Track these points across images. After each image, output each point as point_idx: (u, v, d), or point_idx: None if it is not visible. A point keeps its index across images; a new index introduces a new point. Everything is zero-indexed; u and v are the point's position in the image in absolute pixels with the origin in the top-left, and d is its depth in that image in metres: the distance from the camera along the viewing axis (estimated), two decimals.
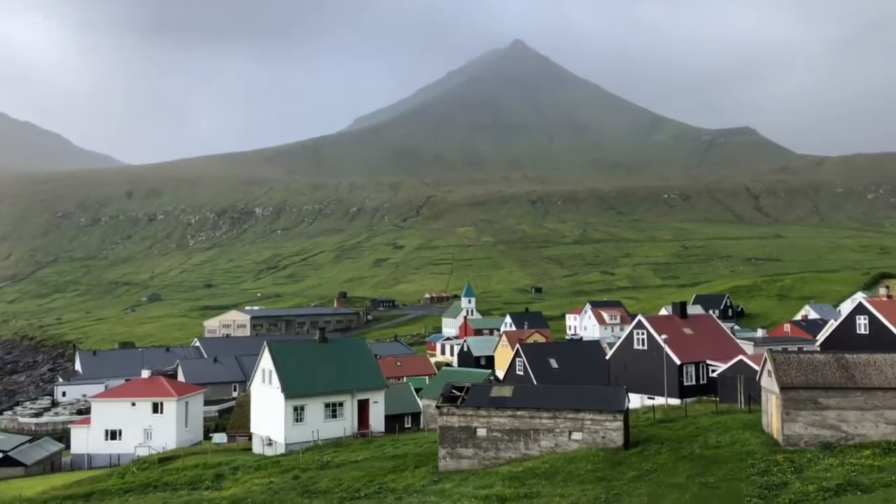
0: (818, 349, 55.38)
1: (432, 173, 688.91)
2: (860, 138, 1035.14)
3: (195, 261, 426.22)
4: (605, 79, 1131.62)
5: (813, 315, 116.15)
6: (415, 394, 70.53)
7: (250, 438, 58.59)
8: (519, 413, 34.46)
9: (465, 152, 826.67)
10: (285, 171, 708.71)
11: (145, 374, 75.91)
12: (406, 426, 64.68)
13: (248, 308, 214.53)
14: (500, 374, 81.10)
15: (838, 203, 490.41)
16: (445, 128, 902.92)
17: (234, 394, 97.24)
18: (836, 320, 63.00)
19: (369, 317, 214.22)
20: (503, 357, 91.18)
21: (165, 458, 54.07)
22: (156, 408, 69.54)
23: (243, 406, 70.22)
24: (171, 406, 69.39)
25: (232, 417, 75.97)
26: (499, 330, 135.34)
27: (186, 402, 71.61)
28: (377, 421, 55.35)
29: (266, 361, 54.41)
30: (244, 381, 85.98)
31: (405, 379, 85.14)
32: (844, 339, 55.76)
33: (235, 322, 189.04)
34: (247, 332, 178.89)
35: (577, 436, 33.93)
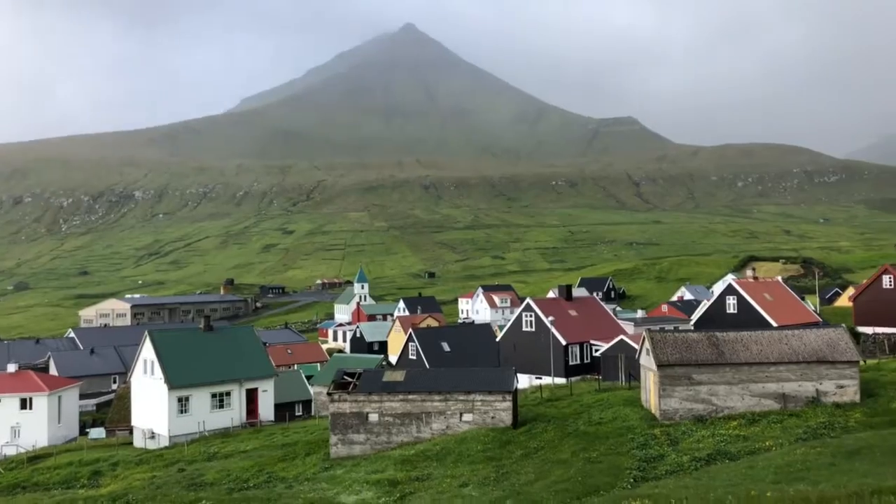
0: (692, 328, 58.91)
1: (323, 157, 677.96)
2: (731, 130, 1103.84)
3: (69, 247, 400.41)
4: (496, 66, 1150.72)
5: (688, 296, 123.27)
6: (306, 381, 69.52)
7: (131, 432, 55.89)
8: (411, 397, 34.64)
9: (357, 136, 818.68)
10: (167, 153, 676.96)
11: (12, 368, 70.67)
12: (297, 414, 63.71)
13: (128, 296, 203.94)
14: (394, 359, 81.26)
15: (711, 191, 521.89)
16: (336, 111, 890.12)
17: (114, 386, 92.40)
18: (708, 301, 67.14)
19: (258, 304, 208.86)
20: (396, 342, 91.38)
21: (36, 457, 50.68)
22: (24, 404, 64.91)
23: (123, 399, 66.86)
24: (41, 401, 65.01)
25: (111, 411, 72.16)
26: (392, 315, 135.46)
27: (59, 397, 67.31)
28: (266, 410, 54.18)
29: (147, 351, 51.99)
30: (124, 373, 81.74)
31: (296, 367, 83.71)
32: (716, 318, 59.60)
33: (114, 311, 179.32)
34: (127, 321, 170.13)
35: (467, 417, 34.50)
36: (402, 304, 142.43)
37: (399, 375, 36.47)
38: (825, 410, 32.76)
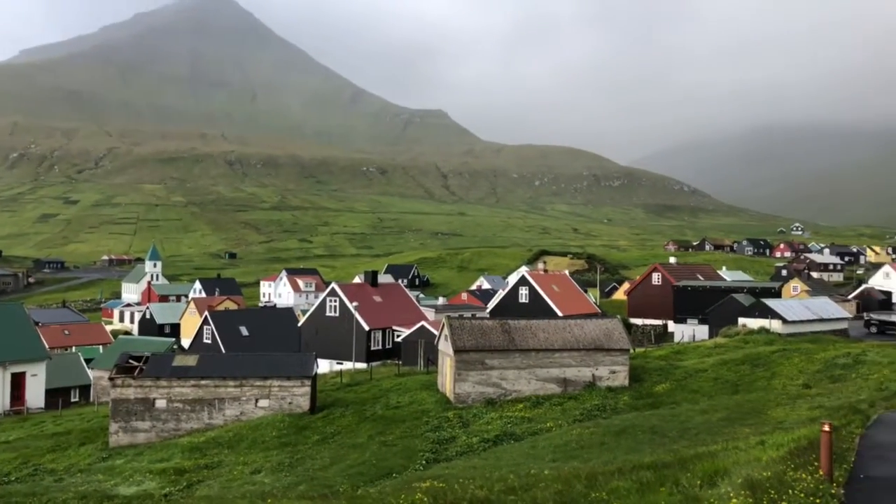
0: (488, 316, 61.88)
1: (116, 122, 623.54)
2: (533, 130, 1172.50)
3: None
4: (311, 45, 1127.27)
5: (486, 286, 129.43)
6: (84, 365, 63.73)
7: None
8: (203, 382, 33.00)
9: (156, 104, 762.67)
10: None
11: None
12: (73, 400, 58.30)
13: None
14: (187, 343, 76.93)
15: (512, 187, 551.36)
16: (133, 74, 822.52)
17: None
18: (503, 290, 70.84)
19: (31, 279, 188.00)
20: (190, 325, 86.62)
21: None
22: None
23: None
24: None
25: None
26: (187, 297, 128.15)
27: None
28: (35, 396, 48.95)
29: None
30: None
31: (74, 349, 76.48)
32: (509, 306, 63.13)
33: None
34: None
35: (263, 403, 33.56)
36: (198, 286, 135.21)
37: (191, 360, 34.59)
38: (599, 393, 35.91)
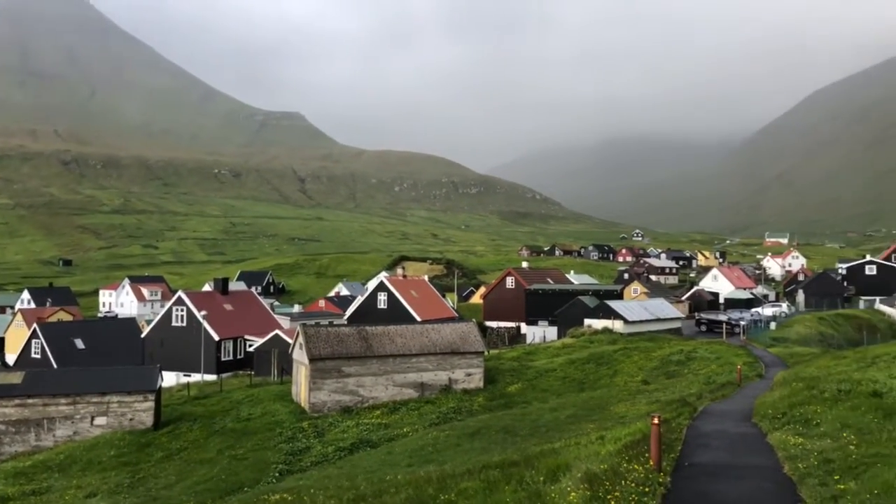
0: (346, 323, 61.26)
1: None
2: (392, 135, 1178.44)
3: None
4: (157, 40, 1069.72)
5: (345, 292, 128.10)
6: None
7: None
8: (31, 401, 30.25)
9: None
10: None
11: None
12: None
13: None
14: (12, 359, 70.20)
15: (372, 192, 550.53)
16: None
17: None
18: (362, 296, 70.41)
19: None
20: (16, 339, 79.05)
21: None
22: None
23: None
24: None
25: None
26: (13, 308, 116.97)
27: None
28: None
29: None
30: None
31: None
32: (368, 312, 62.79)
33: None
34: None
35: (100, 420, 31.25)
36: (26, 295, 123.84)
37: (16, 377, 31.58)
38: (455, 396, 36.54)
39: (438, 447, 23.95)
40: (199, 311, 54.42)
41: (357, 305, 67.36)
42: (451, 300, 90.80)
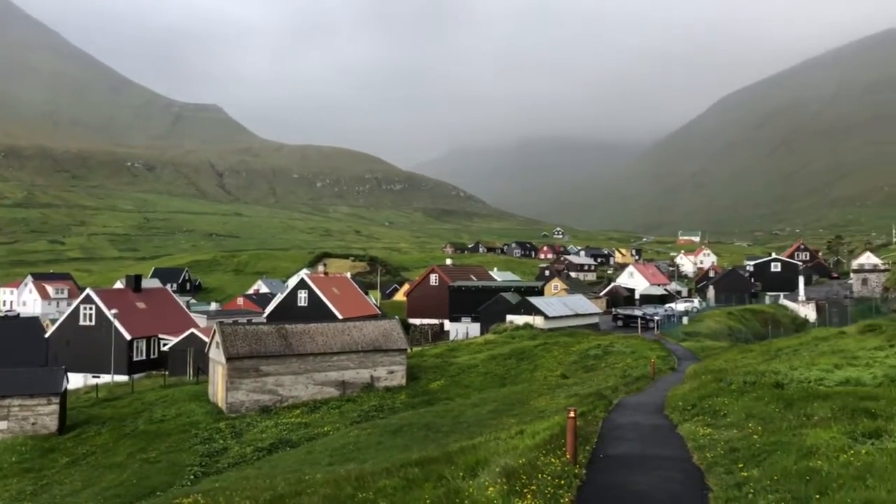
0: (265, 321, 60.01)
1: None
2: (314, 130, 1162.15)
3: None
4: (66, 26, 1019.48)
5: (264, 289, 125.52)
6: None
7: None
8: None
9: None
10: None
11: None
12: None
13: None
14: None
15: (293, 188, 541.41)
16: None
17: None
18: (282, 294, 69.17)
19: None
20: None
21: None
22: None
23: None
24: None
25: None
26: None
27: None
28: None
29: None
30: None
31: None
32: (288, 310, 61.70)
33: None
34: None
35: (0, 425, 29.54)
36: None
37: None
38: (377, 394, 36.35)
39: (360, 446, 23.78)
40: (110, 309, 52.19)
41: (277, 303, 66.12)
42: (374, 297, 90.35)
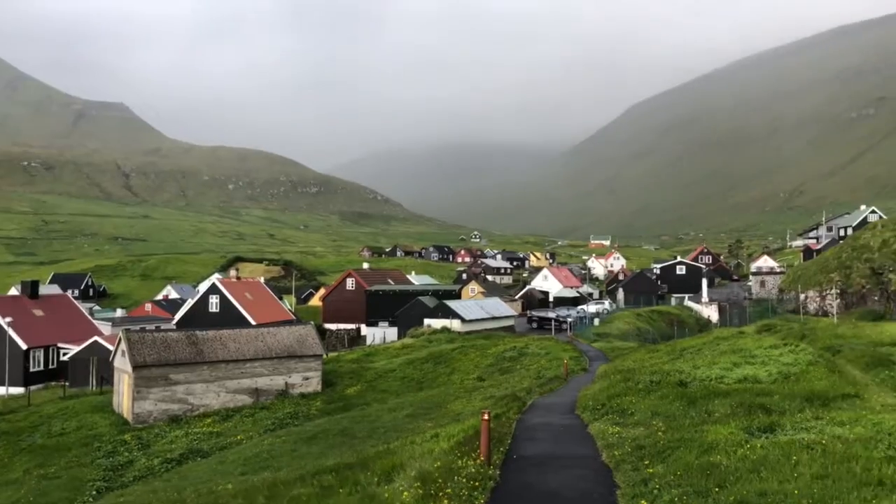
0: (174, 328, 57.97)
1: None
2: (226, 131, 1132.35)
3: None
4: None
5: (174, 295, 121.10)
6: None
7: None
8: None
9: None
10: None
11: None
12: None
13: None
14: None
15: (204, 190, 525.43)
16: None
17: None
18: (193, 300, 67.02)
19: None
20: None
21: None
22: None
23: None
24: None
25: None
26: None
27: None
28: None
29: None
30: None
31: None
32: (199, 316, 59.85)
33: None
34: None
35: None
36: None
37: None
38: (292, 401, 35.73)
39: (274, 454, 23.32)
40: (4, 317, 49.21)
41: (187, 309, 64.05)
42: (288, 302, 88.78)
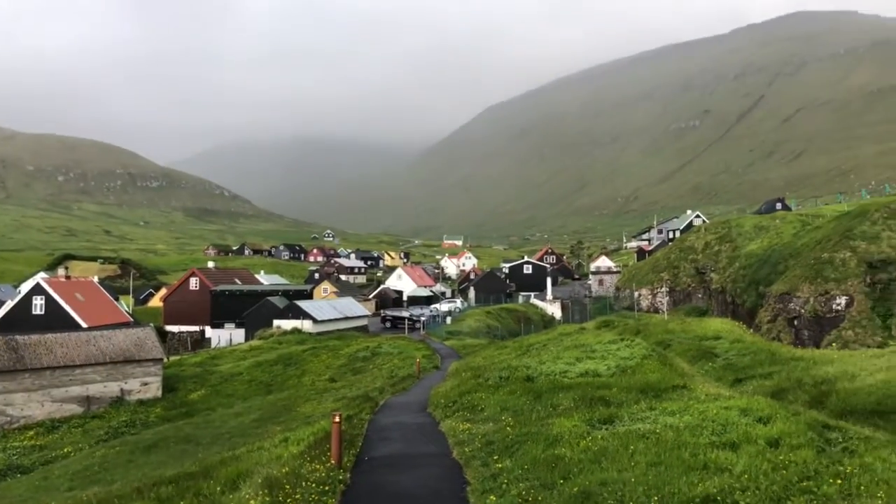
0: None
1: None
2: (52, 118, 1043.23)
3: None
4: None
5: None
6: None
7: None
8: None
9: None
10: None
11: None
12: None
13: None
14: None
15: (28, 181, 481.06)
16: None
17: None
18: (13, 301, 61.02)
19: None
20: None
21: None
22: None
23: None
24: None
25: None
26: None
27: None
28: None
29: None
30: None
31: None
32: (20, 320, 54.56)
33: None
34: None
35: None
36: None
37: None
38: (129, 409, 33.47)
39: (107, 466, 21.70)
40: None
41: (6, 311, 58.20)
42: (125, 304, 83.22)
